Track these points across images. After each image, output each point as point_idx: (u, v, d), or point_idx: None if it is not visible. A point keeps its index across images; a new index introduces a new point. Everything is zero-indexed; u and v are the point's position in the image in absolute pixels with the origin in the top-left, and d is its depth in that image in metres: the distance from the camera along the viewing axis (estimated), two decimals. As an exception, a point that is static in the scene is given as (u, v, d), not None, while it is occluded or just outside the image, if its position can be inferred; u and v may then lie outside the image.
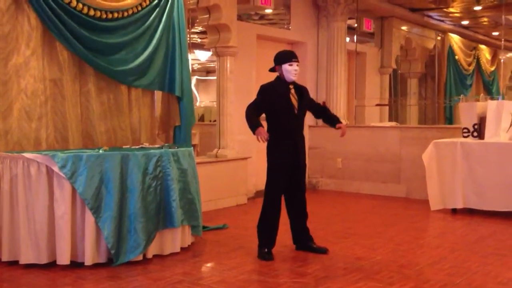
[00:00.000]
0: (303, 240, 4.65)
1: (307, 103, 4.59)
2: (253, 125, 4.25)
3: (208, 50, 8.14)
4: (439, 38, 11.56)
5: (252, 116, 4.32)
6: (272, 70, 4.55)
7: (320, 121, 5.26)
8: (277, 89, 4.43)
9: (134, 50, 5.31)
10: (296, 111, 4.45)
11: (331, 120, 4.71)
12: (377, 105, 9.92)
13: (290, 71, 4.39)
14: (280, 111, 4.42)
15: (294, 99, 4.44)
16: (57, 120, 4.80)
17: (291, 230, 4.66)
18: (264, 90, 4.46)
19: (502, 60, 11.76)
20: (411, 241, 5.04)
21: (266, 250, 4.42)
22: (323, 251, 4.56)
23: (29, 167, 4.08)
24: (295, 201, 4.55)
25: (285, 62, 4.41)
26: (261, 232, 4.49)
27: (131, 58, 5.28)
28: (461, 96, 8.38)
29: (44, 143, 4.68)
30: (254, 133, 4.23)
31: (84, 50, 4.85)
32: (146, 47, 5.42)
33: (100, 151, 4.30)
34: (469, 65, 12.18)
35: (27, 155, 4.12)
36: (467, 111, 6.63)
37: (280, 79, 4.46)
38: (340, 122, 4.68)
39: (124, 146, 5.05)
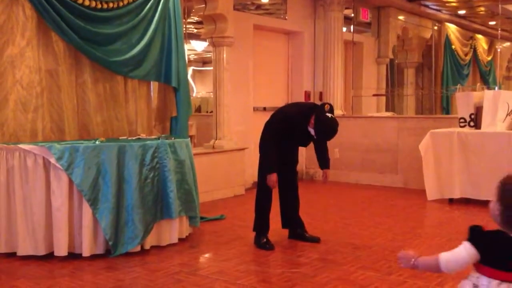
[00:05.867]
0: (295, 226, 4.68)
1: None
2: (270, 166, 4.29)
3: (204, 40, 8.09)
4: (436, 27, 11.53)
5: (272, 152, 4.32)
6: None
7: None
8: (299, 125, 4.40)
9: (129, 40, 5.27)
10: (304, 143, 4.67)
11: (323, 160, 4.66)
12: (374, 95, 9.91)
13: (310, 131, 4.38)
14: (292, 138, 4.50)
15: (307, 134, 4.48)
16: (53, 111, 4.77)
17: (280, 214, 4.69)
18: (288, 122, 4.42)
19: (498, 50, 11.75)
20: (408, 231, 5.05)
21: (265, 240, 4.45)
22: (315, 240, 4.59)
23: (25, 158, 4.06)
24: (287, 182, 4.59)
25: (318, 131, 4.31)
26: (258, 223, 4.51)
27: (127, 49, 5.25)
28: (458, 86, 8.38)
29: (40, 135, 4.65)
30: (267, 173, 4.29)
31: (79, 40, 4.82)
32: (142, 37, 5.38)
33: (97, 142, 4.28)
34: (466, 55, 12.16)
35: (23, 146, 4.10)
36: (464, 101, 6.62)
37: (307, 118, 4.37)
38: (328, 168, 4.65)
39: (120, 137, 5.03)
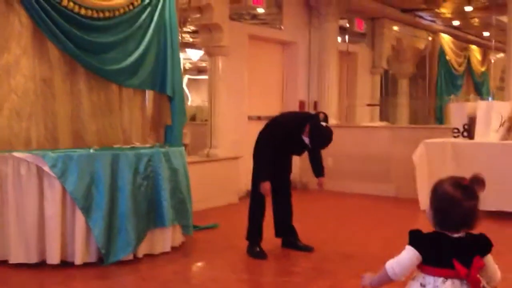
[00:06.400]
0: (288, 235, 4.68)
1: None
2: (264, 174, 4.30)
3: (200, 49, 8.13)
4: (430, 38, 11.62)
5: (266, 160, 4.33)
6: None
7: None
8: (294, 133, 4.41)
9: (125, 49, 5.29)
10: (298, 152, 4.66)
11: (318, 169, 4.68)
12: (368, 105, 9.95)
13: (305, 140, 4.37)
14: (287, 147, 4.51)
15: (301, 143, 4.48)
16: (48, 119, 4.77)
17: (274, 223, 4.67)
18: (282, 131, 4.43)
19: (492, 61, 11.84)
20: (401, 240, 5.03)
21: (258, 249, 4.45)
22: (308, 249, 4.59)
23: (19, 166, 4.05)
24: (280, 191, 4.58)
25: (313, 139, 4.32)
26: (251, 232, 4.51)
27: (122, 58, 5.26)
28: (451, 96, 8.45)
29: (34, 143, 4.65)
30: (260, 181, 4.29)
31: (75, 49, 4.83)
32: (138, 46, 5.40)
33: (91, 151, 4.29)
34: (460, 65, 12.26)
35: (17, 154, 4.09)
36: (458, 111, 6.68)
37: (301, 127, 4.38)
38: (323, 176, 4.67)
39: (115, 146, 5.04)
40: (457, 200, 1.87)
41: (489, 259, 1.93)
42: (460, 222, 1.89)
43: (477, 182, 1.93)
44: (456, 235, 1.90)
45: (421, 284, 1.92)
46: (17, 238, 4.03)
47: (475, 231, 1.96)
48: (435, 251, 1.89)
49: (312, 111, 7.87)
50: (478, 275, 1.85)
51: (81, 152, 4.20)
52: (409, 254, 1.93)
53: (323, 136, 4.32)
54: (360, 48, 10.02)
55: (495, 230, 5.42)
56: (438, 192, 1.93)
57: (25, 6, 4.51)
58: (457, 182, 1.91)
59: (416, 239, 1.94)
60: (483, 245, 1.91)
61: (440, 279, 1.86)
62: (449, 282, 1.85)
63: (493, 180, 6.15)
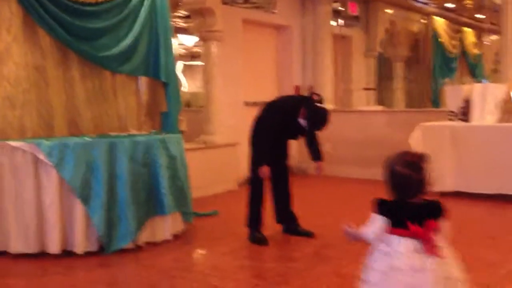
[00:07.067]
0: (288, 221, 4.67)
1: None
2: (262, 159, 4.28)
3: (192, 34, 8.04)
4: (424, 21, 11.57)
5: (263, 145, 4.32)
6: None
7: None
8: (290, 116, 4.38)
9: (117, 35, 5.22)
10: (295, 135, 4.62)
11: (315, 153, 4.64)
12: (364, 89, 9.92)
13: (301, 122, 4.33)
14: (283, 131, 4.48)
15: (298, 126, 4.46)
16: (42, 107, 4.71)
17: (274, 209, 4.66)
18: (279, 114, 4.40)
19: (486, 43, 11.83)
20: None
21: (259, 235, 4.43)
22: (309, 234, 4.58)
23: (14, 155, 4.00)
24: (279, 177, 4.58)
25: (309, 121, 4.28)
26: (251, 218, 4.49)
27: (115, 43, 5.20)
28: (446, 79, 8.44)
29: (29, 131, 4.59)
30: (258, 166, 4.27)
31: (66, 35, 4.76)
32: (129, 32, 5.34)
33: (86, 139, 4.23)
34: (454, 48, 12.24)
35: (12, 143, 4.04)
36: (453, 94, 6.66)
37: (297, 109, 4.36)
38: (321, 160, 4.64)
39: (111, 133, 4.98)
40: (408, 176, 2.21)
41: (444, 224, 2.20)
42: (413, 191, 2.22)
43: (422, 158, 2.26)
44: (411, 201, 2.22)
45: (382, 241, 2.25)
46: (16, 228, 3.99)
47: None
48: (395, 215, 2.22)
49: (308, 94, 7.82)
50: (431, 236, 2.14)
51: (77, 140, 4.14)
52: (379, 223, 2.25)
53: (319, 117, 4.29)
54: (354, 32, 9.94)
55: (494, 213, 5.46)
56: (391, 172, 2.26)
57: (15, -7, 4.43)
58: (405, 161, 2.25)
59: (381, 206, 2.26)
60: (436, 210, 2.21)
61: (398, 238, 2.19)
62: (405, 240, 2.16)
63: (490, 163, 6.20)
